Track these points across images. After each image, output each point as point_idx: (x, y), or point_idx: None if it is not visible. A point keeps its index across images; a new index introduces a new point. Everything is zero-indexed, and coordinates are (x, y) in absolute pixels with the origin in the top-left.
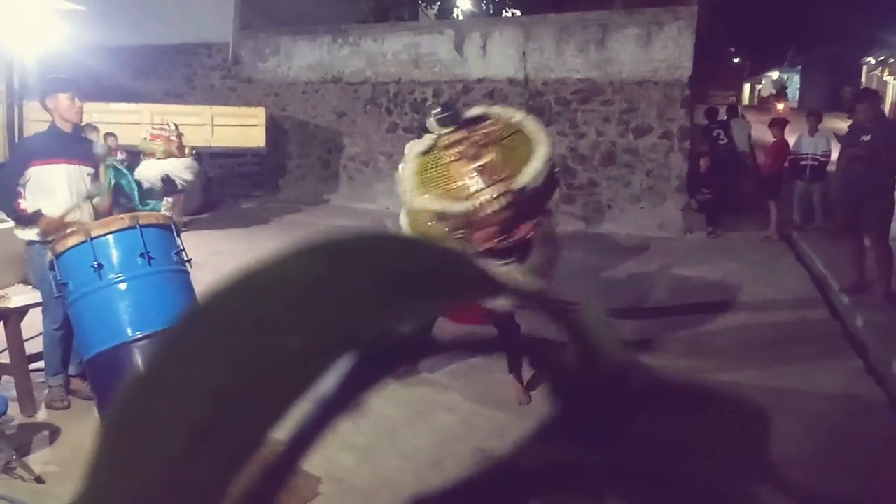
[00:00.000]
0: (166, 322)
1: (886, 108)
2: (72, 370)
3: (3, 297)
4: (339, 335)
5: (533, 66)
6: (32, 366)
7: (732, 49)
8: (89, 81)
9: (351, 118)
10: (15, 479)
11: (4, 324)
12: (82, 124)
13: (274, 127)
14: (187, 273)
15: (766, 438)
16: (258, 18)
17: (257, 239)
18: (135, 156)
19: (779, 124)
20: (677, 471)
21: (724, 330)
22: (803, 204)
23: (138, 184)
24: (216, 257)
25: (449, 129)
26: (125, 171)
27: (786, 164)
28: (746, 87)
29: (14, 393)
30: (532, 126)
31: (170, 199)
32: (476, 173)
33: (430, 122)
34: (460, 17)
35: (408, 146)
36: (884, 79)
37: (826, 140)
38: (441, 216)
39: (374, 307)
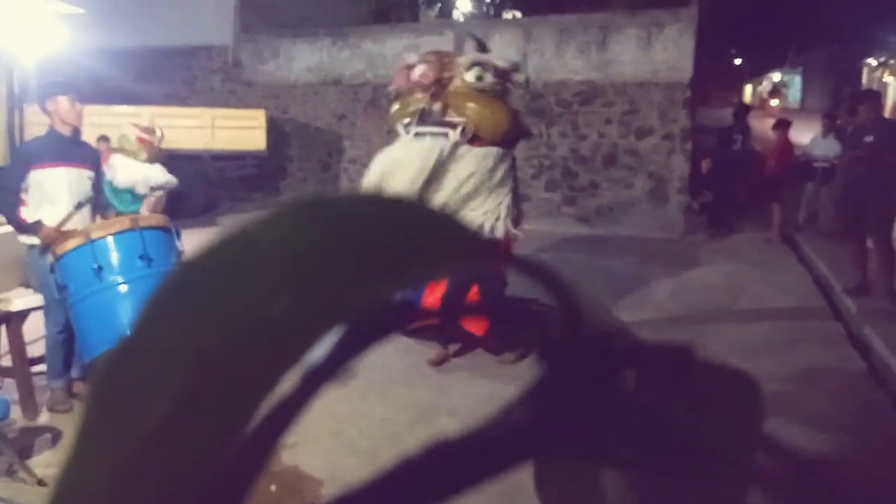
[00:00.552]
0: None
1: (887, 110)
2: (74, 373)
3: (5, 300)
4: (328, 300)
5: (534, 68)
6: (34, 369)
7: (734, 51)
8: (90, 84)
9: (351, 120)
10: (17, 483)
11: (6, 327)
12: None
13: (274, 129)
14: None
15: (755, 401)
16: (258, 21)
17: None
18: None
19: (782, 126)
20: (665, 433)
21: (726, 331)
22: (811, 206)
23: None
24: None
25: None
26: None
27: (789, 165)
28: (748, 88)
29: (16, 396)
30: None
31: (151, 199)
32: None
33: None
34: (461, 19)
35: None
36: (884, 80)
37: (838, 143)
38: None
39: (363, 271)
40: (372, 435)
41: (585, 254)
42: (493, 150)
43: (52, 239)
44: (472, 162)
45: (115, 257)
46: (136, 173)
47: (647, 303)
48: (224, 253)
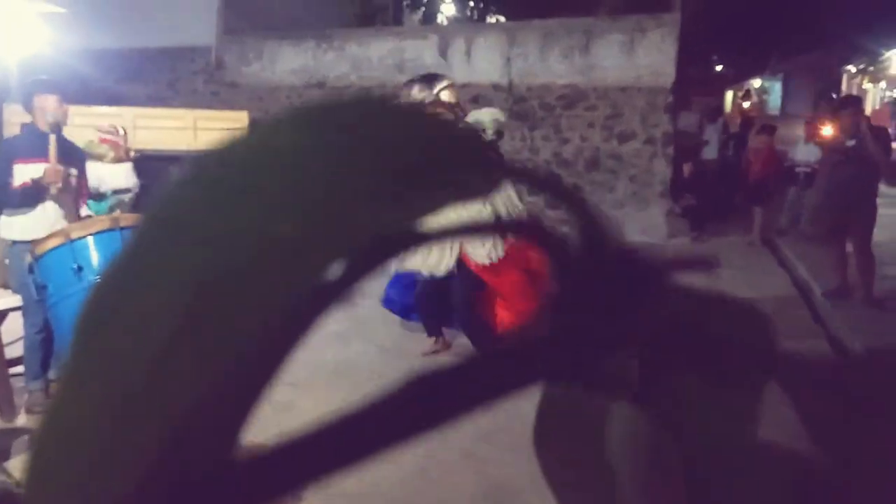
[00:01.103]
0: None
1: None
2: (52, 375)
3: None
4: (342, 221)
5: (517, 72)
6: (12, 370)
7: (715, 57)
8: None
9: None
10: None
11: None
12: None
13: None
14: None
15: (773, 328)
16: (242, 23)
17: None
18: None
19: (767, 131)
20: (688, 346)
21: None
22: (793, 210)
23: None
24: None
25: None
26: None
27: (775, 170)
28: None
29: None
30: None
31: (124, 198)
32: None
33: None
34: (445, 23)
35: None
36: (863, 86)
37: (819, 148)
38: None
39: (375, 190)
40: None
41: None
42: None
43: (53, 174)
44: None
45: (95, 257)
46: (100, 171)
47: None
48: (223, 163)
